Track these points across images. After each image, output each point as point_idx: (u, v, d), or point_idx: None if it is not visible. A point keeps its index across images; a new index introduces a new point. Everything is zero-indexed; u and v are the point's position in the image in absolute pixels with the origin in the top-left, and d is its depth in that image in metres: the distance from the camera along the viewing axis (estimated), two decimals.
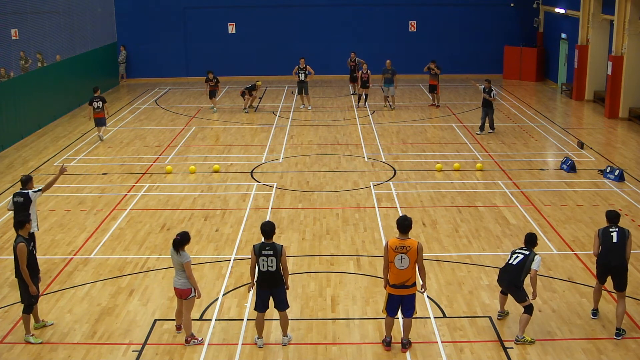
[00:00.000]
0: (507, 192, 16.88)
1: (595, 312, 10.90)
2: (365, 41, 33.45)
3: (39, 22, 25.73)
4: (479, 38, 33.91)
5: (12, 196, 12.62)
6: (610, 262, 10.42)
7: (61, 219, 15.54)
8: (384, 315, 10.02)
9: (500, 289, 10.74)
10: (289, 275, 10.54)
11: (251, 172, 18.86)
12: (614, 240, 10.47)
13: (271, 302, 10.10)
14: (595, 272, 11.02)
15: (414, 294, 9.84)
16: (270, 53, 34.07)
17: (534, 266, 10.10)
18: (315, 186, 17.65)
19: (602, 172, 18.14)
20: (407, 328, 10.01)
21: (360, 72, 26.57)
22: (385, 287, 9.93)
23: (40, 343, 10.37)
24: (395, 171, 18.73)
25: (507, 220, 15.07)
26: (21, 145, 22.23)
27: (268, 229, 9.89)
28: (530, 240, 10.43)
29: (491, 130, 22.66)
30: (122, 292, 11.98)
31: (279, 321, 10.37)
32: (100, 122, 22.24)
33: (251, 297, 11.51)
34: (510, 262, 10.34)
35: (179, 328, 10.56)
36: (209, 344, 10.28)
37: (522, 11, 33.90)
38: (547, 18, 33.07)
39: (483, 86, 22.64)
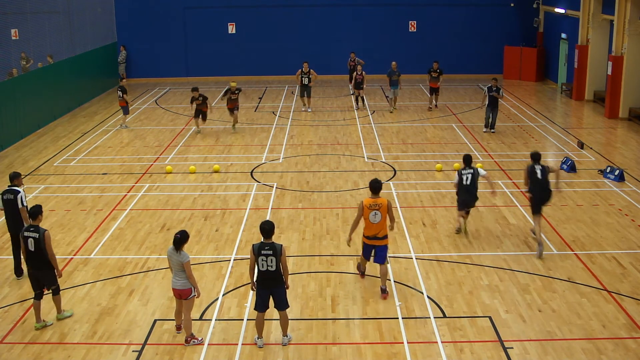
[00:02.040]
0: (507, 192, 16.88)
1: (534, 233, 13.47)
2: (366, 41, 33.45)
3: (39, 22, 25.72)
4: (479, 38, 33.90)
5: (0, 194, 12.57)
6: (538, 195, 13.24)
7: (61, 219, 15.54)
8: (360, 260, 12.21)
9: (461, 211, 14.00)
10: (289, 275, 10.54)
11: (251, 172, 18.86)
12: (539, 176, 13.17)
13: (271, 302, 10.10)
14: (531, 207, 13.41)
15: (386, 245, 11.58)
16: (270, 53, 34.07)
17: (482, 173, 13.82)
18: (315, 186, 17.65)
19: (602, 172, 18.14)
20: (383, 275, 11.59)
21: (355, 73, 26.36)
22: (348, 242, 11.88)
23: (71, 316, 11.07)
24: (395, 171, 18.73)
25: (507, 220, 15.07)
26: (21, 145, 22.23)
27: (268, 227, 9.87)
28: (468, 160, 13.85)
29: (492, 130, 22.64)
30: (122, 292, 11.98)
31: (279, 321, 10.37)
32: (122, 110, 24.46)
33: (251, 297, 11.52)
34: (465, 183, 13.68)
35: (179, 328, 10.56)
36: (209, 344, 10.28)
37: (522, 11, 33.90)
38: (547, 18, 33.07)
39: (490, 85, 22.38)
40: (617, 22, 24.41)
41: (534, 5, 33.44)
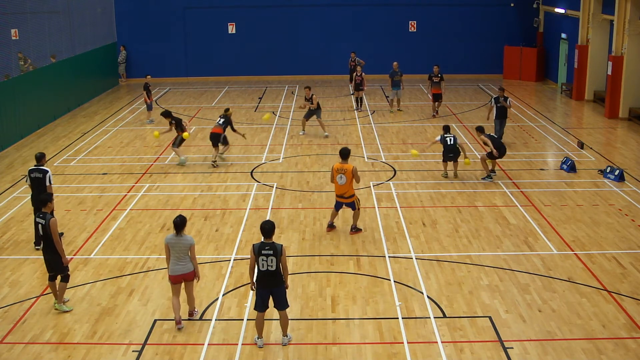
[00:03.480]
0: (507, 192, 16.88)
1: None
2: (365, 41, 33.45)
3: (39, 22, 25.72)
4: (479, 38, 33.91)
5: (28, 172, 13.69)
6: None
7: (61, 219, 15.53)
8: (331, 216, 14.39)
9: (445, 159, 17.74)
10: (289, 275, 10.55)
11: (251, 172, 18.86)
12: (449, 143, 17.38)
13: (271, 302, 10.10)
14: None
15: (353, 202, 14.10)
16: (270, 53, 34.07)
17: (458, 140, 17.66)
18: (315, 186, 17.64)
19: (602, 172, 18.14)
20: (355, 217, 14.31)
21: (355, 74, 26.16)
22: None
23: (70, 311, 11.12)
24: (395, 171, 18.73)
25: (507, 220, 15.07)
26: (21, 145, 22.23)
27: (268, 227, 9.90)
28: (447, 127, 18.16)
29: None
30: (122, 292, 11.98)
31: (279, 321, 10.38)
32: (147, 107, 25.21)
33: (251, 296, 11.53)
34: (449, 143, 17.57)
35: (179, 322, 10.62)
36: (208, 344, 10.28)
37: (522, 11, 33.90)
38: (547, 18, 33.07)
39: (497, 96, 20.95)
40: (617, 22, 24.41)
41: (534, 5, 33.44)
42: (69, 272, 11.34)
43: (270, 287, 9.95)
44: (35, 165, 13.66)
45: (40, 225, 11.12)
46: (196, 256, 10.71)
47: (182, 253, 10.38)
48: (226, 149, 19.90)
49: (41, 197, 11.61)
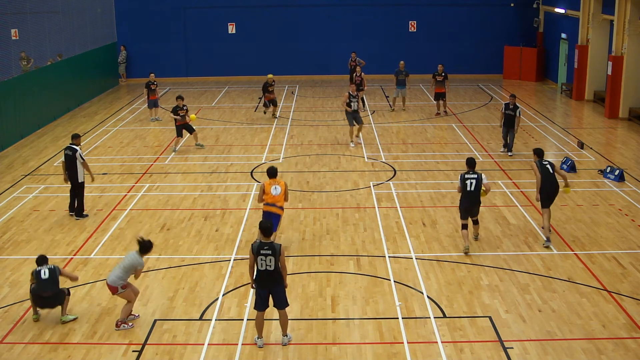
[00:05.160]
0: (507, 192, 16.88)
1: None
2: (366, 41, 33.44)
3: (39, 22, 25.72)
4: (479, 38, 33.90)
5: (63, 149, 15.79)
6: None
7: (61, 219, 15.53)
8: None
9: (465, 223, 13.30)
10: (287, 275, 10.57)
11: (251, 172, 18.86)
12: (470, 188, 13.17)
13: (271, 302, 10.11)
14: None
15: (279, 215, 13.36)
16: (270, 53, 34.06)
17: (485, 181, 13.19)
18: (315, 186, 17.64)
19: (602, 172, 18.14)
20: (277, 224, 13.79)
21: (355, 74, 26.03)
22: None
23: (77, 318, 11.08)
24: (395, 171, 18.73)
25: (507, 220, 15.07)
26: (21, 145, 22.23)
27: (268, 226, 9.99)
28: (473, 163, 13.33)
29: (510, 153, 20.03)
30: None
31: (278, 321, 10.38)
32: (153, 103, 25.34)
33: (251, 296, 11.53)
34: (469, 189, 13.11)
35: (118, 325, 10.82)
36: (209, 344, 10.28)
37: (522, 11, 33.90)
38: (547, 18, 33.06)
39: (507, 102, 20.06)
40: (617, 22, 24.41)
41: (534, 5, 33.43)
42: (69, 289, 11.31)
43: (270, 286, 9.97)
44: (70, 144, 15.67)
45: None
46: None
47: (128, 270, 10.72)
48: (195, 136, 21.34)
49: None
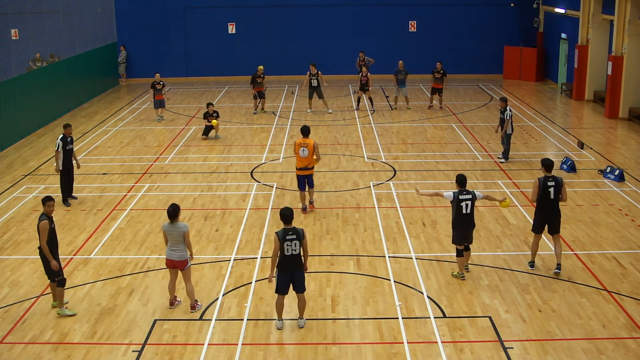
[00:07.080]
0: (507, 192, 16.88)
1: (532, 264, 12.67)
2: (365, 41, 33.40)
3: (39, 22, 25.72)
4: (479, 38, 33.90)
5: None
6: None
7: (61, 219, 15.53)
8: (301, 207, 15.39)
9: (461, 249, 12.13)
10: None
11: (251, 172, 18.86)
12: (551, 196, 12.24)
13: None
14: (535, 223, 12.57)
15: (312, 174, 15.27)
16: (270, 53, 34.05)
17: (479, 196, 11.95)
18: (316, 186, 17.61)
19: (602, 172, 18.14)
20: (311, 194, 15.66)
21: (360, 74, 26.12)
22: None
23: (73, 315, 11.08)
24: (395, 171, 18.73)
25: (507, 220, 15.07)
26: (21, 145, 22.23)
27: (288, 213, 10.44)
28: (464, 181, 11.94)
29: (503, 160, 19.39)
30: (122, 292, 11.98)
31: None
32: (159, 103, 25.28)
33: (251, 297, 11.54)
34: (465, 212, 11.84)
35: (172, 303, 11.12)
36: (209, 344, 10.28)
37: (522, 11, 33.89)
38: (547, 18, 33.06)
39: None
40: (617, 22, 24.41)
41: (534, 5, 33.43)
42: (63, 277, 11.06)
43: (292, 270, 10.38)
44: (63, 134, 16.16)
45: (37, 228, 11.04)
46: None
47: (177, 240, 10.84)
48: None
49: (42, 199, 11.48)
